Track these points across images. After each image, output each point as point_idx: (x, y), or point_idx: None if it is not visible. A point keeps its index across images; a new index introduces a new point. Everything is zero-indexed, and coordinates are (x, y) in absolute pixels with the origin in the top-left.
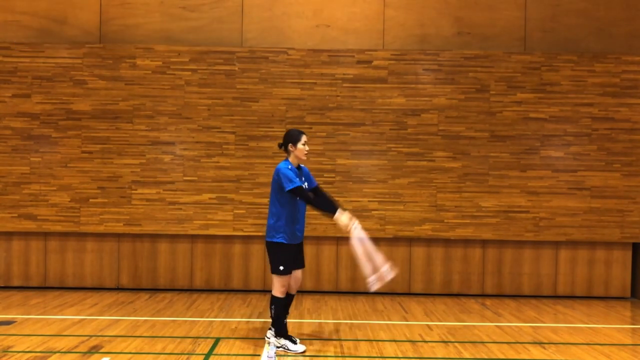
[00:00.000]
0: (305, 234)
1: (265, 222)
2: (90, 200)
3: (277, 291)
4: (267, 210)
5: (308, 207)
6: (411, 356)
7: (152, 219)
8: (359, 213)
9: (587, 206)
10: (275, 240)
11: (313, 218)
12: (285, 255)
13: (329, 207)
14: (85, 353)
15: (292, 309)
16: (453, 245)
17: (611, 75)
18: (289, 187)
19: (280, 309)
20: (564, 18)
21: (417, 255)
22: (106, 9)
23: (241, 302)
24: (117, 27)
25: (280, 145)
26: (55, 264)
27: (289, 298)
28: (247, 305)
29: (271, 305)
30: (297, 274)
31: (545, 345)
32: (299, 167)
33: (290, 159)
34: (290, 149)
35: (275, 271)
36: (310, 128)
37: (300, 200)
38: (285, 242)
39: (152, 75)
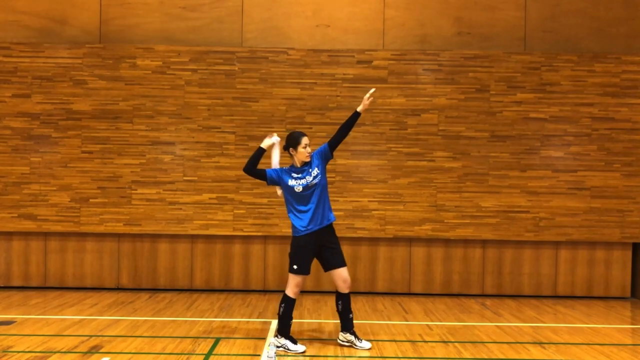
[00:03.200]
0: None
1: (264, 221)
2: (90, 200)
3: (290, 290)
4: (266, 210)
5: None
6: (411, 356)
7: (152, 219)
8: (359, 213)
9: (587, 206)
10: (293, 235)
11: None
12: (300, 251)
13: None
14: (85, 353)
15: None
16: (453, 245)
17: (611, 75)
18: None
19: (289, 309)
20: (564, 18)
21: (417, 255)
22: (106, 9)
23: (241, 302)
24: (117, 27)
25: (284, 148)
26: (55, 264)
27: (341, 297)
28: (247, 305)
29: (281, 303)
30: (339, 272)
31: (545, 345)
32: (306, 163)
33: (293, 162)
34: (292, 152)
35: (290, 269)
36: (310, 128)
37: (289, 192)
38: (297, 234)
39: (152, 75)
